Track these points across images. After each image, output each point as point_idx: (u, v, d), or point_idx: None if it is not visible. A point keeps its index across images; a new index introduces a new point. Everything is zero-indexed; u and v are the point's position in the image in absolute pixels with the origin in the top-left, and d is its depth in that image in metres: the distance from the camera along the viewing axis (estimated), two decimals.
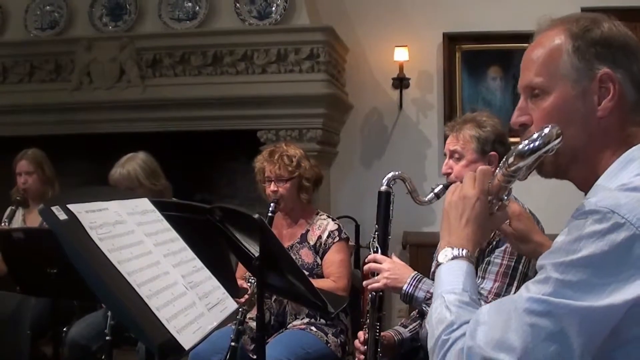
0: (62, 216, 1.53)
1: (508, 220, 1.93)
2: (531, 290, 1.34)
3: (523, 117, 1.59)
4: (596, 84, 1.49)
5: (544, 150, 1.49)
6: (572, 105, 1.51)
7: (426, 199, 2.91)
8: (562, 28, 1.55)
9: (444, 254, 1.60)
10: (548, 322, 1.30)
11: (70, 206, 1.58)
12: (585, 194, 1.50)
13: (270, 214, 3.53)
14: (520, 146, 1.52)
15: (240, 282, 3.37)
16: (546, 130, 1.48)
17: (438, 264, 1.60)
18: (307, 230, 3.74)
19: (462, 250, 1.59)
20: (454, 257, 1.58)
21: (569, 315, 1.28)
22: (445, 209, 1.67)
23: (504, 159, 1.58)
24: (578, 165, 1.54)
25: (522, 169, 1.54)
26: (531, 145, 1.50)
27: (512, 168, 1.55)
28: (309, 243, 3.70)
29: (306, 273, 3.23)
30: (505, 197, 1.68)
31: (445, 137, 3.12)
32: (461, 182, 1.69)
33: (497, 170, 1.63)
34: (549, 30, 1.58)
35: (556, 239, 1.38)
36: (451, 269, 1.57)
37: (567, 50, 1.51)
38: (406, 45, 6.06)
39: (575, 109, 1.51)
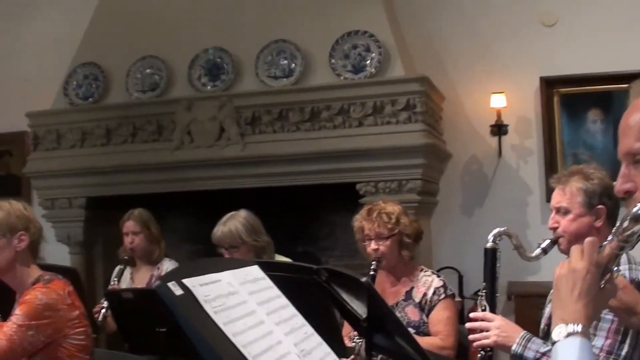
0: (178, 291, 1.55)
1: None
2: None
3: (627, 184, 1.56)
4: None
5: None
6: None
7: (533, 255, 2.89)
8: None
9: (558, 331, 1.54)
10: None
11: (185, 281, 1.60)
12: None
13: (372, 272, 3.50)
14: (635, 209, 1.47)
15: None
16: None
17: (553, 342, 1.54)
18: (412, 288, 3.67)
19: (577, 325, 1.52)
20: (569, 334, 1.52)
21: None
22: (555, 283, 1.61)
23: (617, 226, 1.53)
24: None
25: (637, 233, 1.49)
26: None
27: (627, 233, 1.50)
28: (414, 300, 3.63)
29: (412, 331, 3.21)
30: (615, 269, 1.63)
31: (548, 185, 3.06)
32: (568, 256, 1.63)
33: (607, 240, 1.58)
34: None
35: None
36: (566, 347, 1.51)
37: None
38: (503, 92, 6.01)
39: None
